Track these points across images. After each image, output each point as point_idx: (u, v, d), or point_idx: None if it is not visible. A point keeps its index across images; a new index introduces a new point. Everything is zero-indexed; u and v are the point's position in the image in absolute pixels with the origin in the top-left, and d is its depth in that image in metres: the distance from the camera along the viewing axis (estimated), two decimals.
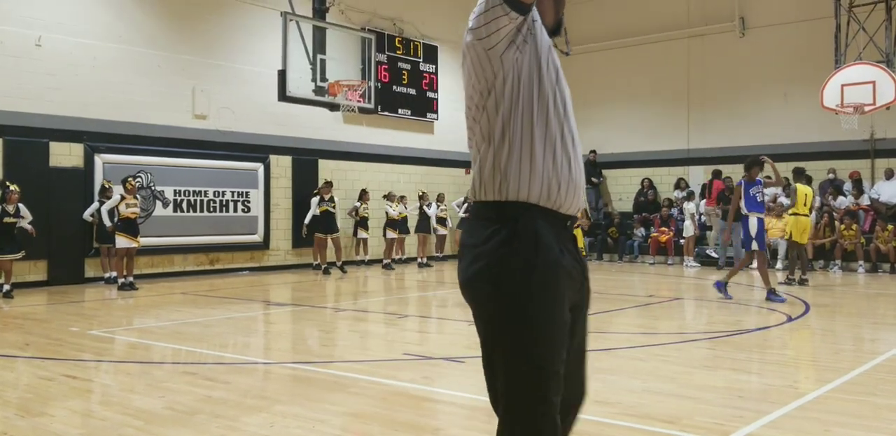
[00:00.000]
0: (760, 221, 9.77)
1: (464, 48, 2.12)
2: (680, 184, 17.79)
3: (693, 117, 18.17)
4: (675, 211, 17.08)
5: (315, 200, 14.35)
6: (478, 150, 2.16)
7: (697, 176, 17.81)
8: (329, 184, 14.51)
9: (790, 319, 8.19)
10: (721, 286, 9.89)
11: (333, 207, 14.32)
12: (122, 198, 11.32)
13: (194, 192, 13.80)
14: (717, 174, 16.79)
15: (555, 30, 2.22)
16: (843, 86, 13.70)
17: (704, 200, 16.73)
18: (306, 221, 14.28)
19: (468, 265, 2.09)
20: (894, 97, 13.34)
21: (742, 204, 9.86)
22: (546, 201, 2.07)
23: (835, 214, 14.96)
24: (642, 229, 17.46)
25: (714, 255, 15.79)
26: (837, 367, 5.61)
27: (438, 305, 10.15)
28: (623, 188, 18.97)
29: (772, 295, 9.60)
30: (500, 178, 2.08)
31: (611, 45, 19.18)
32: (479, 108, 2.12)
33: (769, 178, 10.63)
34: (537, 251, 2.01)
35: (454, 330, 7.76)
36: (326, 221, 14.21)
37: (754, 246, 9.73)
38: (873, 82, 13.47)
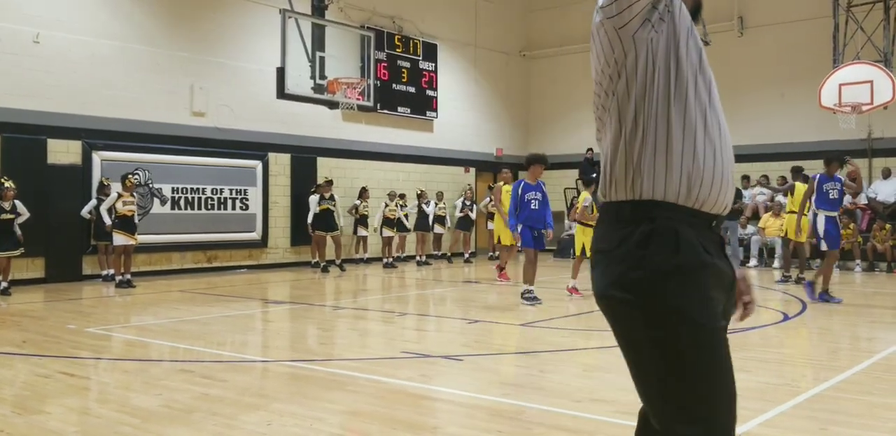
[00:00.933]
0: (829, 220, 9.35)
1: (593, 30, 1.91)
2: None
3: None
4: None
5: (315, 198, 14.35)
6: (609, 143, 1.92)
7: None
8: (329, 182, 14.51)
9: (787, 317, 8.20)
10: (823, 297, 9.39)
11: (334, 206, 14.33)
12: (120, 195, 11.31)
13: (192, 189, 13.79)
14: None
15: (694, 14, 1.95)
16: (840, 85, 13.72)
17: None
18: (309, 220, 14.28)
19: (602, 274, 1.87)
20: (892, 97, 13.36)
21: (813, 199, 9.51)
22: (686, 199, 1.83)
23: None
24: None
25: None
26: (834, 365, 5.62)
27: (437, 304, 10.15)
28: None
29: (825, 295, 9.35)
30: (633, 173, 1.85)
31: None
32: (609, 93, 1.90)
33: (853, 181, 10.05)
34: (678, 252, 1.78)
35: (452, 328, 7.76)
36: (327, 220, 14.22)
37: (823, 246, 9.40)
38: (871, 82, 13.49)
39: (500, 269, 12.22)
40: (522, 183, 9.42)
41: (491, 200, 14.65)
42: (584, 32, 19.31)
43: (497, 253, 12.77)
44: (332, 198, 14.34)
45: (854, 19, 14.56)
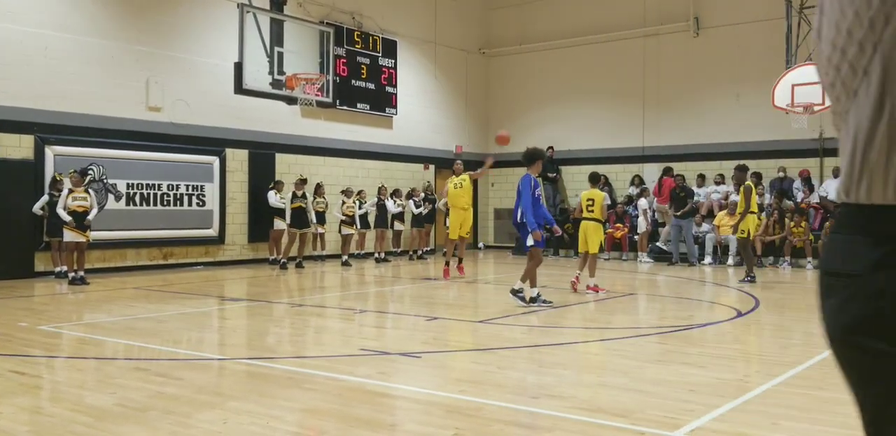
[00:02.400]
0: None
1: None
2: (634, 181, 18.04)
3: (648, 115, 18.42)
4: (630, 208, 17.31)
5: (273, 194, 14.34)
6: (863, 118, 1.30)
7: (652, 173, 18.07)
8: (304, 181, 14.45)
9: (740, 314, 8.37)
10: None
11: (306, 203, 14.33)
12: (71, 191, 11.09)
13: (147, 185, 13.56)
14: (667, 172, 17.08)
15: None
16: (793, 86, 14.01)
17: (657, 198, 17.02)
18: (288, 219, 14.20)
19: (842, 306, 1.37)
20: None
21: None
22: None
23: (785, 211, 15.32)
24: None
25: (668, 248, 16.05)
26: (785, 361, 5.75)
27: (395, 301, 10.15)
28: (580, 185, 19.12)
29: None
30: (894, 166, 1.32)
31: (569, 43, 19.33)
32: (868, 47, 1.28)
33: None
34: None
35: (411, 325, 7.76)
36: (301, 217, 14.22)
37: None
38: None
39: (448, 264, 12.22)
40: (533, 179, 8.65)
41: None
42: (545, 31, 19.56)
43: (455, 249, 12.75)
44: (304, 196, 14.33)
45: (807, 21, 14.88)
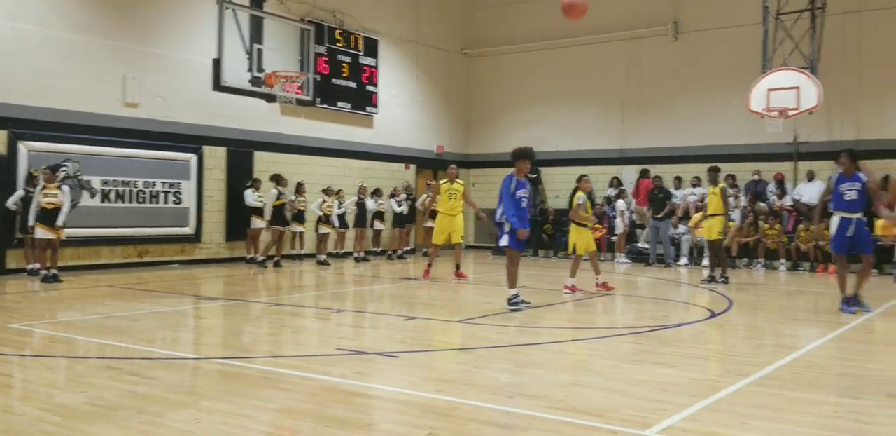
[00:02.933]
0: (842, 222, 8.42)
1: None
2: (613, 182, 18.15)
3: (628, 117, 18.54)
4: (608, 209, 17.40)
5: (272, 193, 14.31)
6: None
7: (630, 175, 18.19)
8: (279, 177, 14.47)
9: (713, 314, 8.45)
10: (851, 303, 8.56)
11: (289, 201, 14.51)
12: (44, 187, 10.96)
13: (123, 182, 13.43)
14: (643, 173, 17.21)
15: None
16: (769, 90, 14.17)
17: (635, 199, 17.14)
18: (268, 216, 14.31)
19: None
20: (817, 102, 13.87)
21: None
22: None
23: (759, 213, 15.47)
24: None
25: (646, 249, 16.16)
26: (757, 362, 5.81)
27: (373, 300, 10.13)
28: (559, 186, 19.23)
29: (845, 305, 8.52)
30: None
31: (551, 45, 19.40)
32: None
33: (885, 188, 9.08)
34: None
35: (388, 325, 7.76)
36: (284, 215, 14.27)
37: (832, 248, 8.68)
38: (797, 88, 13.97)
39: (430, 266, 12.19)
40: (515, 179, 8.42)
41: (429, 197, 14.70)
42: (528, 31, 19.61)
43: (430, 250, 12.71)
44: (282, 194, 14.37)
45: (783, 27, 15.07)
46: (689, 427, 3.98)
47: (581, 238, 10.32)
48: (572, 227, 10.48)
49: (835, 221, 8.51)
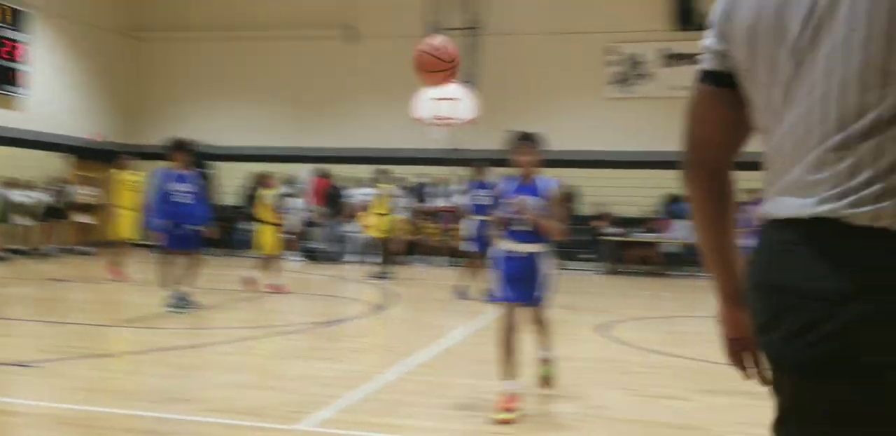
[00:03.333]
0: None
1: None
2: (289, 180, 18.23)
3: (305, 117, 18.80)
4: (283, 207, 17.42)
5: None
6: None
7: (306, 174, 18.44)
8: None
9: (378, 309, 8.92)
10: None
11: None
12: None
13: None
14: (319, 173, 17.63)
15: None
16: (432, 100, 15.27)
17: (311, 198, 17.44)
18: None
19: (803, 333, 1.12)
20: (474, 114, 15.27)
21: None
22: None
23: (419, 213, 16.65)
24: (249, 223, 17.52)
25: (320, 247, 16.52)
26: (406, 351, 6.27)
27: (6, 304, 9.03)
28: (233, 181, 18.84)
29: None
30: None
31: (230, 37, 18.87)
32: None
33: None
34: None
35: (25, 332, 7.00)
36: None
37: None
38: (458, 99, 15.24)
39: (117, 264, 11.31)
40: (168, 172, 8.14)
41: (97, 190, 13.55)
42: (207, 19, 18.87)
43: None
44: None
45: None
46: (341, 418, 4.18)
47: (270, 237, 10.34)
48: (261, 226, 10.43)
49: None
